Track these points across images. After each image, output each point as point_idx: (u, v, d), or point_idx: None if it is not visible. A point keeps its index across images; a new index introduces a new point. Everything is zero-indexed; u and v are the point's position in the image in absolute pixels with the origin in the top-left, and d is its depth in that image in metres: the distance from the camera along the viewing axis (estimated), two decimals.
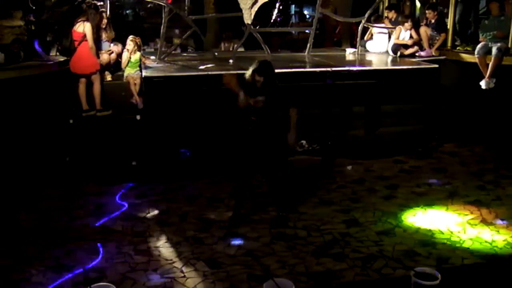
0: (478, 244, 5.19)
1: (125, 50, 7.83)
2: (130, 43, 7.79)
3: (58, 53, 8.29)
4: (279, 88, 5.50)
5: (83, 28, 7.41)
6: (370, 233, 5.43)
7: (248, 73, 5.46)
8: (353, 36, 10.58)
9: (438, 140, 8.50)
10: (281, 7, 12.65)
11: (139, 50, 7.99)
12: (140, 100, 7.70)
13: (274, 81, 5.47)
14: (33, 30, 8.23)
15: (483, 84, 8.46)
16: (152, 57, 8.61)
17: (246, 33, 9.27)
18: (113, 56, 8.15)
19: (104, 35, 8.01)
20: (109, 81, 8.16)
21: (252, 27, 9.18)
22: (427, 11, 9.52)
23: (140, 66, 7.91)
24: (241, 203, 5.68)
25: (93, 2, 7.78)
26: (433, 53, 9.30)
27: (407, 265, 4.66)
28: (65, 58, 7.93)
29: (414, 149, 8.11)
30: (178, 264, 4.80)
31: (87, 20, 7.44)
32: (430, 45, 9.38)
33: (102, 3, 8.40)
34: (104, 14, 7.98)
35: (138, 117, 7.56)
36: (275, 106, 5.39)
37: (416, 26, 9.62)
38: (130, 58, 7.74)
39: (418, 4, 10.91)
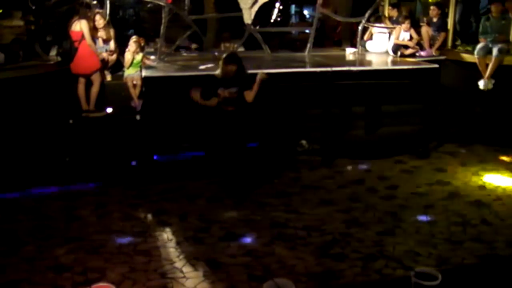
0: (478, 244, 5.19)
1: (127, 50, 7.83)
2: (133, 44, 7.78)
3: (59, 57, 8.28)
4: (249, 77, 6.14)
5: (80, 26, 7.41)
6: (370, 233, 5.43)
7: (219, 68, 6.14)
8: (353, 36, 10.57)
9: (438, 140, 8.49)
10: (281, 7, 12.63)
11: (141, 51, 7.99)
12: (139, 103, 7.70)
13: (244, 70, 6.13)
14: (33, 30, 8.23)
15: (481, 84, 8.46)
16: (152, 57, 8.60)
17: (246, 33, 9.27)
18: (113, 57, 8.14)
19: (103, 35, 8.00)
20: (109, 81, 8.16)
21: (252, 27, 9.18)
22: (431, 7, 9.50)
23: (140, 66, 7.91)
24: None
25: (85, 0, 7.78)
26: (433, 53, 9.30)
27: (407, 265, 4.66)
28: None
29: (414, 149, 8.11)
30: (178, 264, 4.80)
31: (82, 17, 7.44)
32: (431, 45, 9.38)
33: (95, 1, 8.41)
34: (101, 15, 7.97)
35: (138, 117, 7.55)
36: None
37: (415, 26, 9.62)
38: (133, 58, 7.74)
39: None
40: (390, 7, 10.30)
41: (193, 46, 10.30)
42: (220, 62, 6.15)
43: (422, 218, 5.79)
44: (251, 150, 6.47)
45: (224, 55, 6.22)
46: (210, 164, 6.30)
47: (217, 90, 6.05)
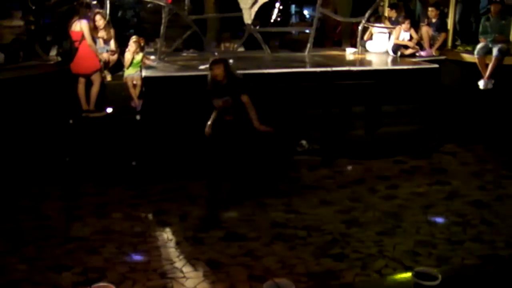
0: (478, 244, 5.19)
1: (127, 50, 7.83)
2: (133, 44, 7.78)
3: (59, 57, 8.28)
4: (243, 85, 5.94)
5: (80, 26, 7.41)
6: (370, 233, 5.43)
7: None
8: (353, 36, 10.58)
9: (438, 140, 8.49)
10: (281, 7, 12.63)
11: (141, 51, 7.99)
12: (139, 103, 7.71)
13: (233, 73, 5.94)
14: (33, 30, 8.23)
15: (481, 84, 8.47)
16: (152, 57, 8.60)
17: (246, 33, 9.27)
18: (114, 57, 8.14)
19: (104, 36, 8.00)
20: (109, 81, 8.16)
21: (252, 27, 9.18)
22: (429, 9, 9.52)
23: (140, 66, 7.90)
24: (214, 200, 5.94)
25: (85, 0, 7.79)
26: (433, 53, 9.30)
27: (407, 265, 4.66)
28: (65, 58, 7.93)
29: (414, 149, 8.11)
30: (178, 264, 4.80)
31: (82, 18, 7.44)
32: (431, 45, 9.39)
33: (95, 1, 8.41)
34: (101, 15, 7.97)
35: (138, 117, 7.55)
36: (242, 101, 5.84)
37: (415, 26, 9.62)
38: (133, 58, 7.74)
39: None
40: (388, 9, 10.31)
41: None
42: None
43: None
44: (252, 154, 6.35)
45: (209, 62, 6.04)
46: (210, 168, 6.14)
47: (212, 101, 5.88)
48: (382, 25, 9.99)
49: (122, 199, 6.35)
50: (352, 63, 8.97)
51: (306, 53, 9.51)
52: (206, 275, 4.62)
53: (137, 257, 4.93)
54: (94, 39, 7.75)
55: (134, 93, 7.78)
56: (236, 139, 5.90)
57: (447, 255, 4.94)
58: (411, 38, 9.44)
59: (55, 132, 7.35)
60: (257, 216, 5.85)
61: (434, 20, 9.45)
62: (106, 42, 8.07)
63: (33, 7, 8.17)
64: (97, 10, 8.15)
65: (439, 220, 5.76)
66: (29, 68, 7.76)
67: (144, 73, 7.61)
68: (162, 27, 8.62)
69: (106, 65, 8.06)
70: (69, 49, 7.60)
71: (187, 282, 4.51)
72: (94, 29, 7.78)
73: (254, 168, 6.35)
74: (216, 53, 9.76)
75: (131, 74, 7.80)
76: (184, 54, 9.93)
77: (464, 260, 4.87)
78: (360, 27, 9.53)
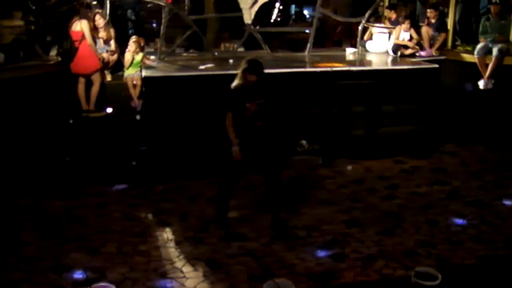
0: (478, 244, 5.19)
1: (127, 50, 7.83)
2: (132, 44, 7.78)
3: (59, 57, 8.28)
4: (274, 87, 5.64)
5: (80, 26, 7.41)
6: (370, 233, 5.43)
7: (238, 77, 5.28)
8: (353, 36, 10.58)
9: (438, 140, 8.49)
10: (281, 7, 12.64)
11: (141, 51, 7.99)
12: (139, 103, 7.71)
13: (267, 79, 5.41)
14: (33, 30, 8.24)
15: (481, 84, 8.48)
16: (152, 57, 8.61)
17: (246, 33, 9.27)
18: (114, 57, 8.14)
19: (104, 36, 8.00)
20: (109, 81, 8.16)
21: (252, 27, 9.18)
22: (428, 10, 9.53)
23: (140, 66, 7.91)
24: (227, 203, 5.62)
25: (85, 1, 7.80)
26: (433, 53, 9.31)
27: (407, 265, 4.66)
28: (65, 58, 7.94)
29: (414, 149, 8.11)
30: (178, 264, 4.80)
31: (82, 18, 7.45)
32: (431, 45, 9.39)
33: (95, 2, 8.42)
34: (101, 14, 7.98)
35: (138, 117, 7.56)
36: (274, 105, 5.45)
37: (415, 26, 9.63)
38: (133, 58, 7.74)
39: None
40: (387, 10, 10.31)
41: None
42: (240, 70, 5.29)
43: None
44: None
45: (245, 63, 5.28)
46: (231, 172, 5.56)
47: (245, 104, 5.22)
48: (382, 25, 10.00)
49: (122, 199, 6.35)
50: (352, 63, 8.96)
51: (306, 53, 9.51)
52: (206, 275, 4.62)
53: (137, 257, 4.93)
54: (94, 39, 7.75)
55: (134, 93, 7.79)
56: (266, 145, 5.40)
57: (447, 255, 4.95)
58: (411, 38, 9.45)
59: (55, 132, 7.35)
60: (257, 216, 5.85)
61: (433, 21, 9.45)
62: (106, 42, 8.07)
63: (33, 7, 8.17)
64: (97, 10, 8.15)
65: (439, 220, 5.75)
66: (29, 68, 7.76)
67: (144, 73, 7.61)
68: (162, 27, 8.62)
69: (106, 65, 8.05)
70: (69, 49, 7.61)
71: (187, 282, 4.51)
72: (94, 29, 7.78)
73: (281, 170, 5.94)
74: (216, 53, 9.77)
75: (131, 74, 7.80)
76: (184, 54, 9.93)
77: (464, 260, 4.88)
78: (360, 27, 9.53)
